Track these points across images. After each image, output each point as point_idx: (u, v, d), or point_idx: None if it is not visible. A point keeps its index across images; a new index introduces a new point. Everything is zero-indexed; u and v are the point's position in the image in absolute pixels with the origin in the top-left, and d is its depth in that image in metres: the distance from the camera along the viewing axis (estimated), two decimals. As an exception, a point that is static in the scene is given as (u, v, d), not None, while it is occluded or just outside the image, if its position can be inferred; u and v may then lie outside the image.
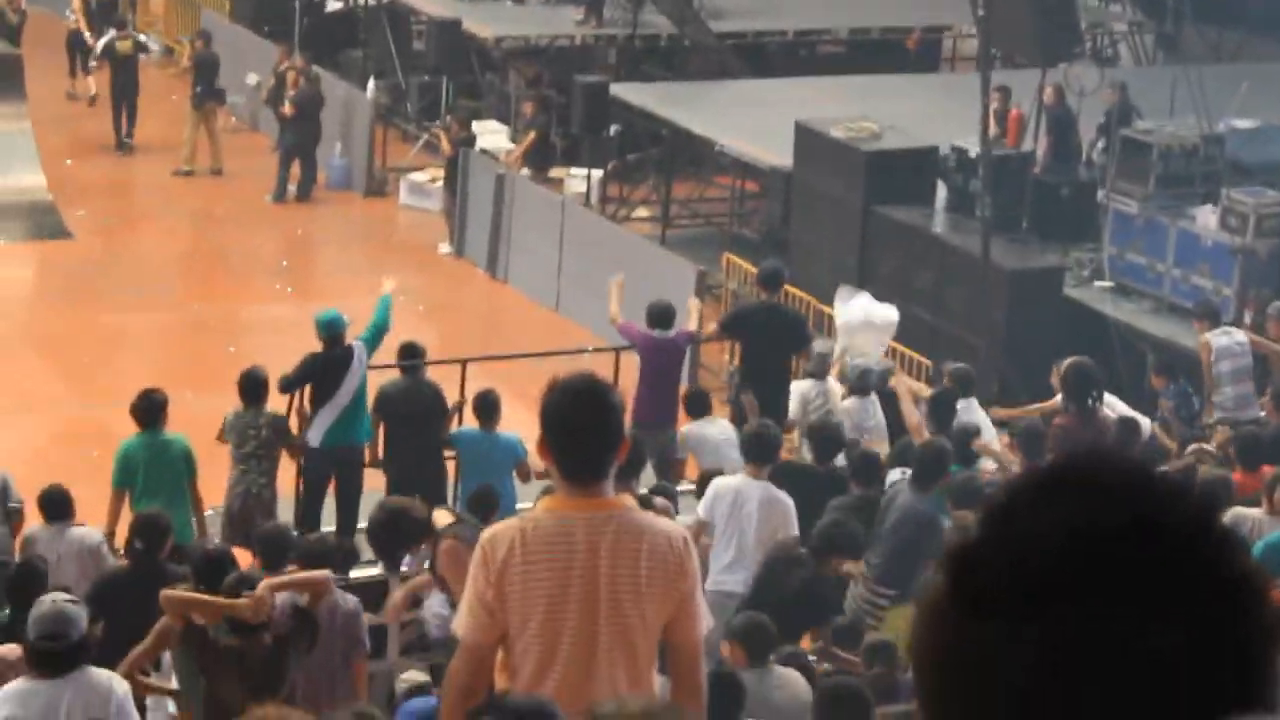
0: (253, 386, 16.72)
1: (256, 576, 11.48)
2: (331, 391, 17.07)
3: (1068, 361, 17.18)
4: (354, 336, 17.38)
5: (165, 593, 11.43)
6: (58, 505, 14.50)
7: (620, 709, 6.13)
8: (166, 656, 12.01)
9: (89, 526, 14.77)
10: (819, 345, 18.99)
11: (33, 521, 14.79)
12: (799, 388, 18.03)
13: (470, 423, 17.40)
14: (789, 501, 14.54)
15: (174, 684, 11.86)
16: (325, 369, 17.15)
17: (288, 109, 29.05)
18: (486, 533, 6.77)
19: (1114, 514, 1.57)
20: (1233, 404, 18.41)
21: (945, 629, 1.62)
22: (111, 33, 31.38)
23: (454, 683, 6.77)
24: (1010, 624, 1.55)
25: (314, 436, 17.16)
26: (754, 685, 10.97)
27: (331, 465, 17.21)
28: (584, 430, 6.55)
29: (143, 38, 32.60)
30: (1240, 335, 18.98)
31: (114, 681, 10.06)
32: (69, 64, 32.73)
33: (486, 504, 13.85)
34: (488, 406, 17.02)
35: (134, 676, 11.17)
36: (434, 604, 12.56)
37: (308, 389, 17.32)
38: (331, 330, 17.25)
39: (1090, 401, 16.85)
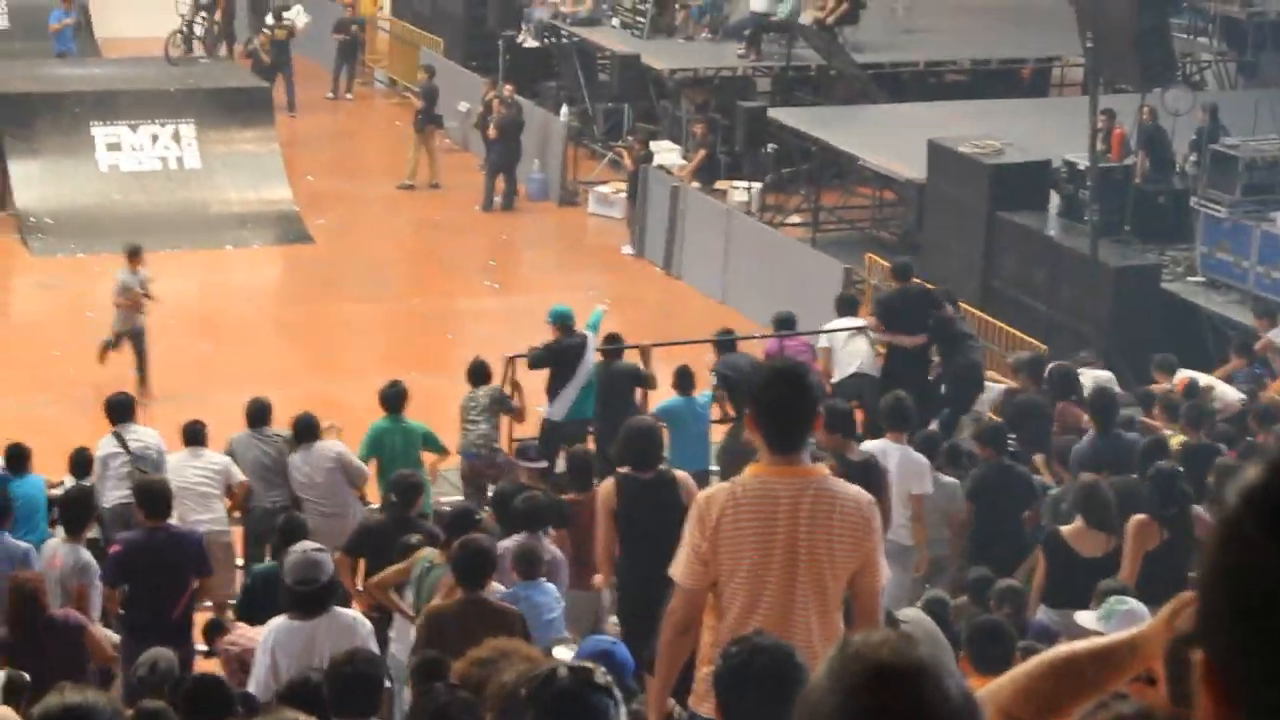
0: (479, 372, 16.93)
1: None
2: (570, 373, 17.17)
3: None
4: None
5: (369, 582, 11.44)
6: (307, 429, 15.08)
7: None
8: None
9: (329, 442, 15.12)
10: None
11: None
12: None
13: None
14: (925, 461, 14.34)
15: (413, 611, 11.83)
16: (563, 354, 17.22)
17: (493, 131, 29.18)
18: (703, 494, 6.83)
19: None
20: None
21: (1260, 553, 1.65)
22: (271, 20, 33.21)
23: (672, 620, 6.85)
24: None
25: (557, 412, 17.23)
26: (917, 618, 10.94)
27: (564, 436, 17.17)
28: (787, 407, 6.56)
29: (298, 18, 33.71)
30: None
31: (358, 620, 10.17)
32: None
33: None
34: (685, 379, 17.08)
35: (385, 593, 11.19)
36: None
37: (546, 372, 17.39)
38: (565, 321, 17.39)
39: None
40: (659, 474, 11.56)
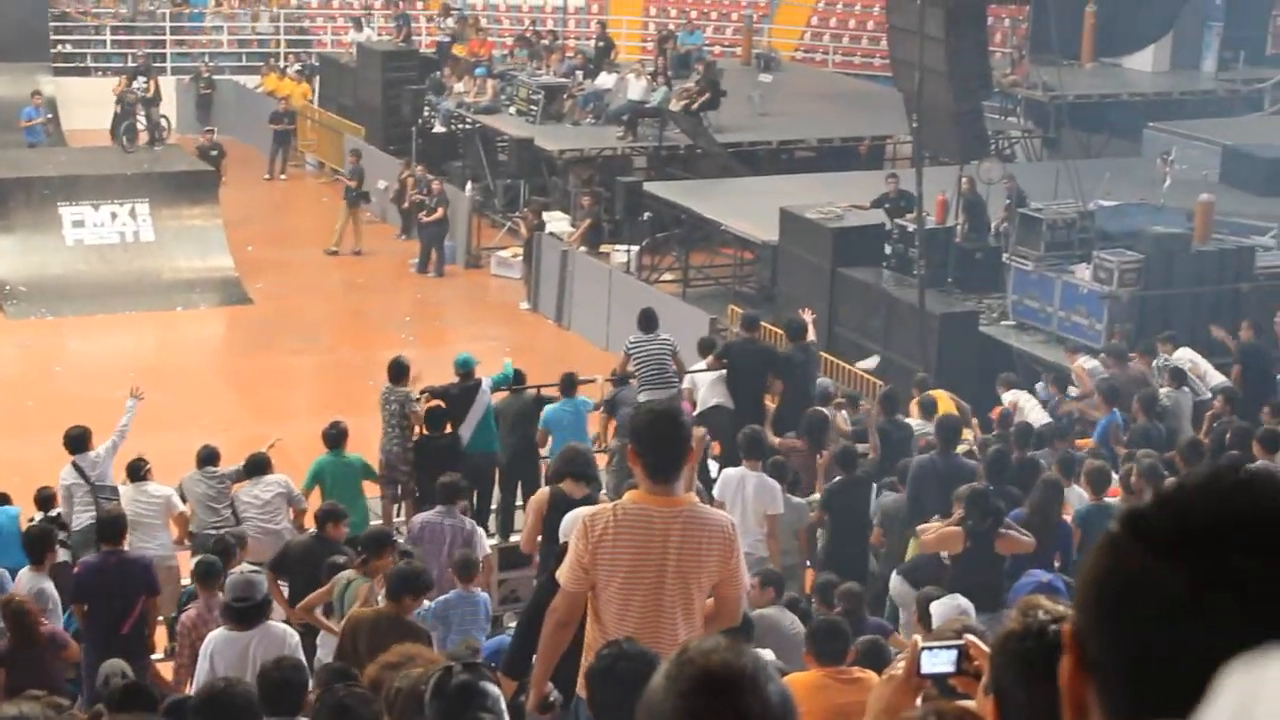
0: (398, 369, 16.71)
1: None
2: (465, 411, 16.93)
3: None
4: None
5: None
6: (259, 466, 14.95)
7: None
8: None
9: (277, 474, 15.02)
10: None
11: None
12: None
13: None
14: (776, 485, 14.33)
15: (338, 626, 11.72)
16: (460, 395, 17.02)
17: (440, 212, 29.01)
18: (588, 512, 6.79)
19: (1257, 503, 1.62)
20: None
21: (1126, 560, 1.64)
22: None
23: (555, 617, 6.85)
24: (1172, 557, 1.61)
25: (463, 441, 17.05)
26: (776, 617, 11.12)
27: (473, 464, 16.89)
28: (662, 443, 6.51)
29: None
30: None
31: (287, 632, 10.12)
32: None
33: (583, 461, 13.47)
34: (569, 384, 17.20)
35: (311, 613, 11.09)
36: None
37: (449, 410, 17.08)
38: (465, 368, 17.18)
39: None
40: (587, 496, 11.35)
